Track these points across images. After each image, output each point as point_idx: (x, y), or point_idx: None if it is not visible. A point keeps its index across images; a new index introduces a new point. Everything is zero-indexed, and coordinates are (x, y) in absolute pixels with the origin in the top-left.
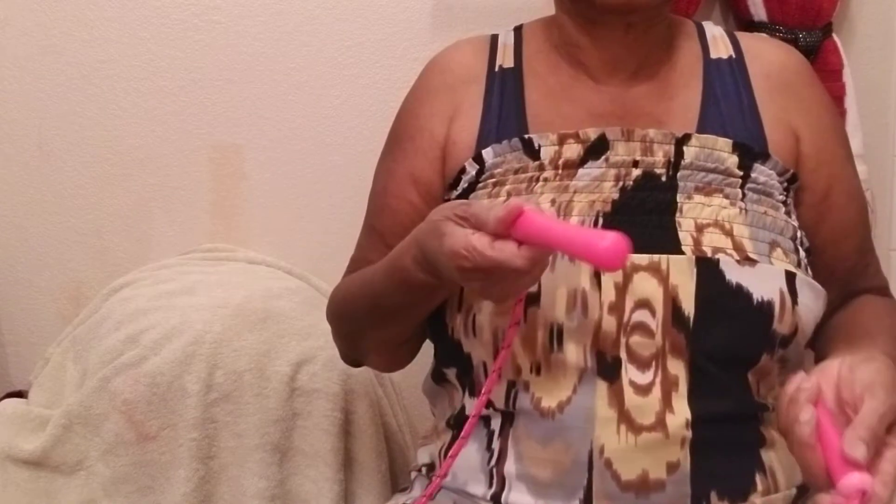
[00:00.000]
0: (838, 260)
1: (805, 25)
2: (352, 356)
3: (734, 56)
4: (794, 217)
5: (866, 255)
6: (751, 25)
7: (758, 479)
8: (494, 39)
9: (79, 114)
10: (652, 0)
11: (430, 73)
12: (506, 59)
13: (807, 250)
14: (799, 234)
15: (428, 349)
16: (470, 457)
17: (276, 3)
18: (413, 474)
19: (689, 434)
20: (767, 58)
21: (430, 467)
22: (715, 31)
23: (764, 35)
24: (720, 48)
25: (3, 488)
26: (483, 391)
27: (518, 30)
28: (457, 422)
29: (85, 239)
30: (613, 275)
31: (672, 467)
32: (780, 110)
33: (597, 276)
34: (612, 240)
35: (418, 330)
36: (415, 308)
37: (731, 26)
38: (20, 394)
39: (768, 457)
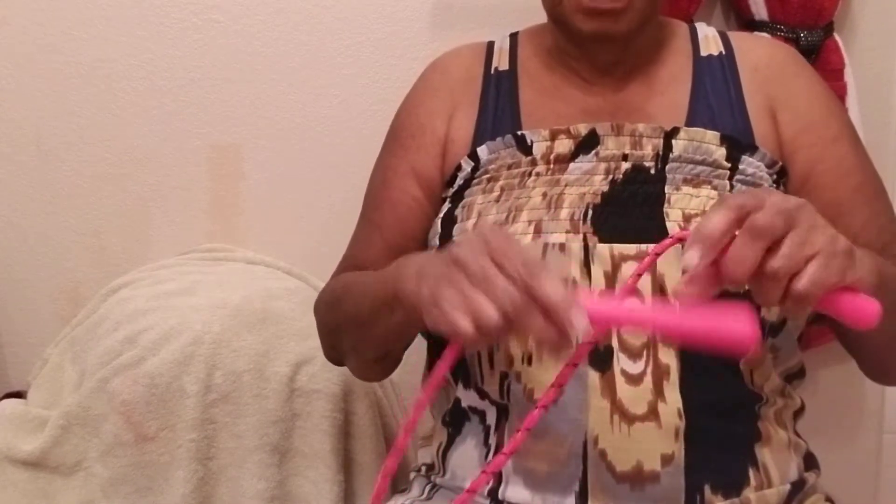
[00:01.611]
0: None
1: (806, 24)
2: (333, 355)
3: (724, 53)
4: None
5: (884, 233)
6: (752, 24)
7: (751, 473)
8: (491, 45)
9: (77, 113)
10: (630, 28)
11: (431, 74)
12: (501, 62)
13: None
14: None
15: (422, 348)
16: (468, 453)
17: (275, 3)
18: (412, 475)
19: (681, 424)
20: (756, 52)
21: (430, 467)
22: (707, 32)
23: (757, 34)
24: (711, 46)
25: (2, 489)
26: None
27: (514, 36)
28: (452, 418)
29: (83, 239)
30: (602, 264)
31: (666, 459)
32: (765, 100)
33: (586, 266)
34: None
35: (392, 353)
36: (380, 325)
37: (732, 25)
38: (19, 394)
39: (762, 452)
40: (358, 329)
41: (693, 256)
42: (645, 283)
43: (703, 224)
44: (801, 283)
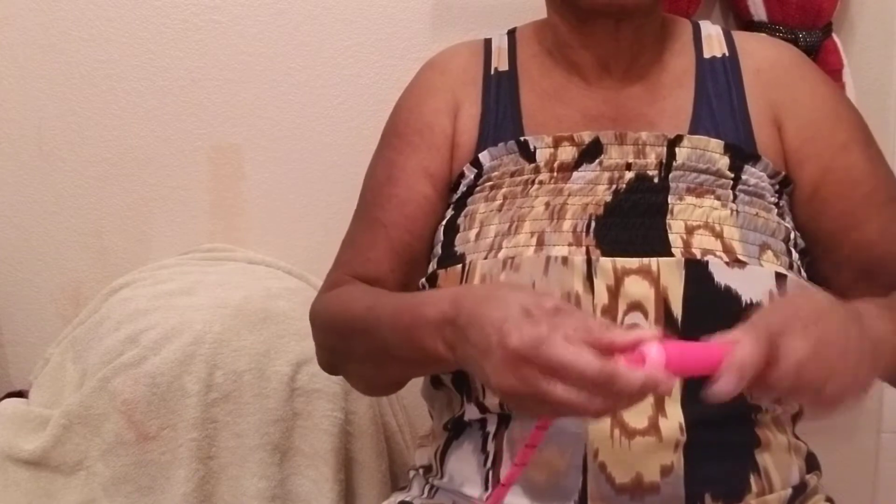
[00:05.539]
0: (860, 250)
1: (805, 25)
2: (329, 369)
3: (728, 55)
4: (787, 219)
5: None
6: (751, 25)
7: (752, 480)
8: (488, 43)
9: (78, 113)
10: (640, 2)
11: (430, 73)
12: (500, 62)
13: (802, 252)
14: (793, 235)
15: None
16: (465, 458)
17: (275, 3)
18: (411, 473)
19: (682, 438)
20: (760, 55)
21: (427, 469)
22: (711, 30)
23: (763, 35)
24: (714, 47)
25: (4, 488)
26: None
27: (511, 33)
28: (454, 426)
29: (84, 239)
30: (605, 278)
31: (666, 470)
32: (768, 107)
33: (589, 280)
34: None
35: (404, 380)
36: (406, 365)
37: (731, 26)
38: (20, 394)
39: (762, 458)
40: (377, 367)
41: (728, 384)
42: (648, 296)
43: (737, 357)
44: (824, 397)
